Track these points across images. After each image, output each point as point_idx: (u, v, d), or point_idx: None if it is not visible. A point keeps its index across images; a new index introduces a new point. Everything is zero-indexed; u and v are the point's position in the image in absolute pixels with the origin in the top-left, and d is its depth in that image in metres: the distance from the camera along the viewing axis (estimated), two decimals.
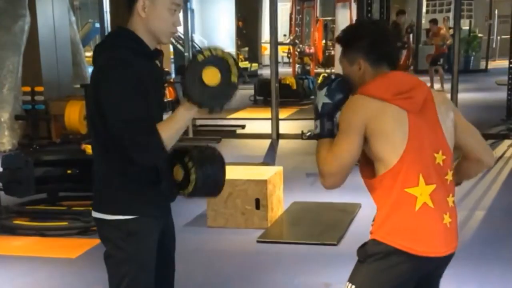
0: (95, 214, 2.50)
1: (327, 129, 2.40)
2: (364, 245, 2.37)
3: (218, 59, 2.27)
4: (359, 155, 2.30)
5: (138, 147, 2.28)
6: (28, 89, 8.97)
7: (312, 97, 13.38)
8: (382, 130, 2.25)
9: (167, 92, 10.89)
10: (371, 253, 2.31)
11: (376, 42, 2.38)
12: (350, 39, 2.43)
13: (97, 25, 15.01)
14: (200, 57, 2.26)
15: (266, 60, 21.16)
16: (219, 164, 2.55)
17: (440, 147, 2.31)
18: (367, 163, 2.34)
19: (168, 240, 2.67)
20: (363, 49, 2.37)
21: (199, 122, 10.26)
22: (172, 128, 2.30)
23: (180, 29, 2.35)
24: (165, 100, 8.80)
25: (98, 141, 2.47)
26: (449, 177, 2.34)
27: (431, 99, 2.35)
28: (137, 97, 2.30)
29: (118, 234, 2.44)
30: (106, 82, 2.31)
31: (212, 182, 2.51)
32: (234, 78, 2.28)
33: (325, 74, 10.59)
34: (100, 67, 2.38)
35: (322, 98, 2.41)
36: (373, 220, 2.37)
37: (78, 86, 9.58)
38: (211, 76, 2.25)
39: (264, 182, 5.38)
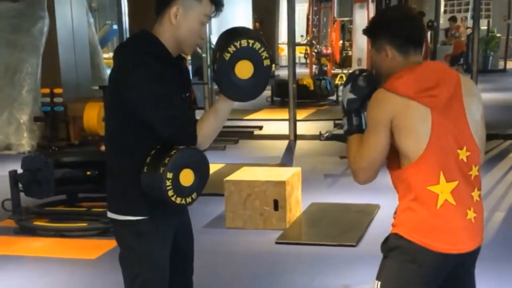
0: (109, 214, 2.53)
1: (355, 125, 2.43)
2: (386, 239, 2.39)
3: (245, 49, 2.26)
4: (388, 150, 2.31)
5: (174, 131, 2.32)
6: (47, 91, 9.02)
7: (330, 97, 13.38)
8: (406, 126, 2.26)
9: None
10: (393, 247, 2.33)
11: (399, 25, 2.38)
12: (375, 27, 2.45)
13: (115, 26, 15.11)
14: (227, 56, 2.26)
15: (283, 61, 21.15)
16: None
17: (464, 142, 2.31)
18: (393, 154, 2.34)
19: (185, 241, 2.67)
20: (387, 35, 2.38)
21: None
22: (206, 121, 2.35)
23: None
24: None
25: (112, 141, 2.48)
26: (474, 172, 2.34)
27: (460, 93, 2.34)
28: (166, 90, 2.33)
29: (129, 235, 2.46)
30: (131, 80, 2.32)
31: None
32: (266, 62, 2.29)
33: (343, 75, 10.58)
34: (121, 67, 2.39)
35: (347, 94, 2.45)
36: (395, 212, 2.39)
37: (97, 87, 9.62)
38: (243, 70, 2.27)
39: (282, 183, 5.37)
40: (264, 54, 2.27)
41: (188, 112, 2.43)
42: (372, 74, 2.47)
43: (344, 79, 13.37)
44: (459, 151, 2.30)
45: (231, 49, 2.26)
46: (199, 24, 2.41)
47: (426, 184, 2.26)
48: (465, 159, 2.31)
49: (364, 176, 2.35)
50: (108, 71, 12.09)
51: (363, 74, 2.46)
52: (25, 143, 9.05)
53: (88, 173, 6.07)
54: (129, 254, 2.49)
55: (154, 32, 2.43)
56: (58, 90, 8.96)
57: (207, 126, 2.36)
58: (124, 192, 2.46)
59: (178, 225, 2.60)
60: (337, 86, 13.34)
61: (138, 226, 2.44)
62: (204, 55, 10.10)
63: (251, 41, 2.26)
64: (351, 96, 2.43)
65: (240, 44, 2.26)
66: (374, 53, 2.44)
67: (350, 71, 15.34)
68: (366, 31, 2.49)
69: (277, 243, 5.14)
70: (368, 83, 2.44)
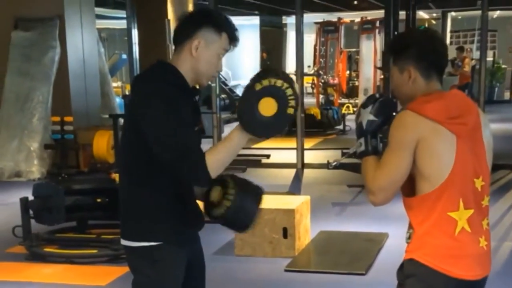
0: (123, 242, 2.54)
1: (372, 146, 2.42)
2: (402, 266, 2.39)
3: (276, 89, 2.27)
4: (409, 172, 2.30)
5: (187, 168, 2.30)
6: (57, 119, 9.14)
7: (337, 127, 13.43)
8: (432, 151, 2.26)
9: None
10: (410, 274, 2.33)
11: (427, 49, 2.36)
12: (401, 45, 2.42)
13: (124, 56, 15.27)
14: (258, 86, 2.28)
15: None
16: (258, 203, 2.53)
17: (480, 172, 2.34)
18: (408, 180, 2.33)
19: (197, 268, 2.68)
20: (413, 56, 2.35)
21: None
22: (220, 152, 2.34)
23: None
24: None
25: (126, 168, 2.51)
26: (485, 202, 2.37)
27: (479, 123, 2.37)
28: (182, 123, 2.34)
29: (143, 262, 2.47)
30: (149, 110, 2.35)
31: (244, 215, 2.49)
32: (290, 111, 2.28)
33: (349, 105, 10.60)
34: (140, 96, 2.42)
35: (367, 115, 2.43)
36: (409, 238, 2.38)
37: (107, 116, 9.71)
38: (267, 107, 2.27)
39: (291, 211, 5.40)
40: (292, 103, 2.27)
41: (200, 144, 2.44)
42: (392, 99, 2.47)
43: (351, 109, 13.47)
44: (475, 180, 2.32)
45: (265, 82, 2.27)
46: (217, 57, 2.48)
47: (447, 210, 2.27)
48: (479, 189, 2.34)
49: (383, 196, 2.32)
50: (118, 100, 12.22)
51: (384, 97, 2.46)
52: (35, 170, 9.11)
53: (98, 200, 6.11)
54: (144, 281, 2.50)
55: (172, 62, 2.48)
56: (68, 118, 9.07)
57: (218, 153, 2.34)
58: (138, 219, 2.48)
59: (192, 252, 2.61)
60: (344, 116, 13.41)
61: (152, 253, 2.45)
62: (213, 84, 10.19)
63: (286, 85, 2.27)
64: (371, 117, 2.42)
65: (275, 82, 2.27)
66: (395, 72, 2.42)
67: (357, 101, 15.42)
68: (390, 48, 2.47)
69: (286, 270, 5.16)
70: (388, 107, 2.45)
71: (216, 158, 2.32)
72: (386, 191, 2.32)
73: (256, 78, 2.30)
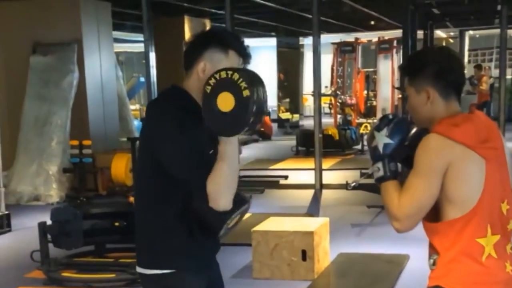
0: (138, 269, 2.49)
1: (391, 170, 2.31)
2: None
3: (224, 81, 2.16)
4: (436, 198, 2.22)
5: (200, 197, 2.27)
6: (76, 142, 9.18)
7: (355, 147, 13.36)
8: (462, 176, 2.20)
9: None
10: None
11: (445, 68, 2.28)
12: (418, 64, 2.33)
13: (142, 79, 15.36)
14: (208, 88, 2.18)
15: (307, 111, 21.27)
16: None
17: (506, 196, 2.28)
18: (434, 205, 2.26)
19: None
20: (431, 75, 2.27)
21: (242, 173, 10.29)
22: (218, 176, 2.24)
23: None
24: None
25: (141, 194, 2.48)
26: (511, 226, 2.31)
27: (503, 146, 2.32)
28: (194, 141, 2.30)
29: None
30: (160, 132, 2.33)
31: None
32: (246, 92, 2.14)
33: (367, 124, 10.53)
34: (151, 119, 2.41)
35: (382, 138, 2.33)
36: (433, 264, 2.29)
37: (125, 139, 9.73)
38: (224, 102, 2.15)
39: (310, 234, 5.34)
40: (243, 85, 2.13)
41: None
42: (406, 118, 2.38)
43: (369, 128, 13.41)
44: (501, 204, 2.27)
45: (211, 81, 2.17)
46: None
47: (476, 236, 2.21)
48: (505, 213, 2.28)
49: (409, 223, 2.23)
50: (136, 123, 12.27)
51: (398, 118, 2.36)
52: (54, 194, 9.14)
53: (116, 224, 6.10)
54: None
55: (184, 86, 2.46)
56: (86, 142, 9.10)
57: (218, 174, 2.23)
58: (150, 245, 2.44)
59: (209, 279, 2.55)
60: (362, 136, 13.35)
61: (165, 281, 2.40)
62: None
63: (229, 72, 2.16)
64: (387, 140, 2.32)
65: (220, 75, 2.16)
66: (412, 92, 2.33)
67: (375, 121, 15.37)
68: (406, 67, 2.39)
69: None
70: (404, 127, 2.35)
71: (215, 174, 2.23)
72: (413, 218, 2.23)
73: (211, 76, 2.20)
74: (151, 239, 2.44)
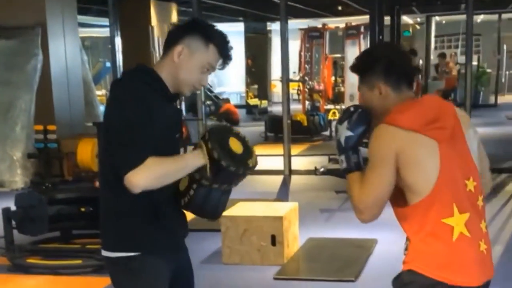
0: (103, 253, 2.47)
1: (354, 162, 2.36)
2: (399, 276, 2.33)
3: (243, 139, 2.42)
4: (393, 186, 2.25)
5: (125, 165, 2.23)
6: (40, 127, 9.00)
7: (323, 133, 13.40)
8: (414, 161, 2.22)
9: None
10: (408, 282, 2.27)
11: (393, 62, 2.34)
12: (366, 63, 2.39)
13: (108, 64, 15.16)
14: (230, 129, 2.44)
15: (275, 97, 21.23)
16: (221, 194, 2.48)
17: (470, 173, 2.29)
18: (397, 191, 2.29)
19: (184, 280, 2.60)
20: (381, 72, 2.33)
21: None
22: (169, 163, 2.29)
23: None
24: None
25: (104, 177, 2.45)
26: (480, 202, 2.32)
27: (459, 124, 2.33)
28: (145, 121, 2.26)
29: (121, 272, 2.41)
30: (115, 114, 2.30)
31: (207, 207, 2.45)
32: (252, 162, 2.38)
33: (335, 110, 10.56)
34: (112, 100, 2.37)
35: (344, 131, 2.37)
36: (406, 249, 2.33)
37: (90, 124, 9.60)
38: (235, 145, 2.36)
39: (280, 219, 5.32)
40: (254, 157, 2.42)
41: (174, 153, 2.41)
42: (367, 110, 2.41)
43: (337, 114, 13.49)
44: (466, 182, 2.28)
45: (235, 130, 2.46)
46: (200, 69, 2.41)
47: (441, 216, 2.22)
48: (472, 190, 2.29)
49: (370, 214, 2.26)
50: (102, 108, 12.11)
51: (359, 110, 2.40)
52: (19, 180, 8.99)
53: (82, 209, 6.01)
54: None
55: (154, 67, 2.43)
56: (51, 127, 8.94)
57: (162, 164, 2.26)
58: (115, 228, 2.41)
59: (177, 263, 2.53)
60: (330, 122, 13.38)
61: (129, 263, 2.38)
62: (198, 91, 10.13)
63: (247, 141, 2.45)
64: (348, 133, 2.36)
65: (239, 134, 2.45)
66: (365, 90, 2.39)
67: (343, 106, 15.44)
68: (355, 68, 2.43)
69: (275, 279, 5.08)
70: (364, 119, 2.38)
71: (156, 168, 2.23)
72: (373, 209, 2.26)
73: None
74: (115, 222, 2.41)
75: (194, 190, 2.37)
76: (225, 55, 2.43)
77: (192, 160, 2.31)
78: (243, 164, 2.34)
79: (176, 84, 2.42)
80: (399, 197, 2.29)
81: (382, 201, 2.26)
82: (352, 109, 2.42)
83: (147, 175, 2.22)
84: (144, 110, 2.27)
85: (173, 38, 2.41)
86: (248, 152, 2.38)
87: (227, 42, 2.45)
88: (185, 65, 2.38)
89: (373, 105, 2.38)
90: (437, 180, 2.21)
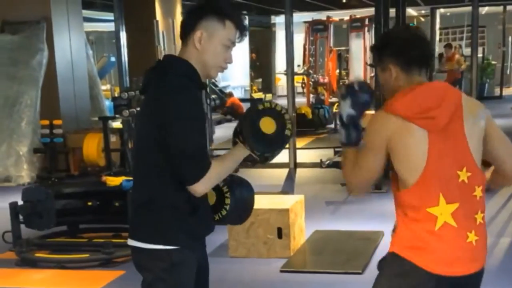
0: (132, 242, 2.45)
1: (353, 137, 2.42)
2: (384, 258, 2.39)
3: (275, 112, 2.41)
4: (383, 168, 2.33)
5: (189, 171, 2.30)
6: (46, 122, 9.04)
7: (328, 126, 13.40)
8: (402, 149, 2.26)
9: None
10: (387, 264, 2.34)
11: (404, 45, 2.37)
12: (381, 45, 2.45)
13: (113, 59, 15.16)
14: (260, 106, 2.41)
15: (279, 90, 21.24)
16: (250, 188, 2.64)
17: (464, 164, 2.28)
18: (395, 176, 2.34)
19: (205, 274, 2.64)
20: (392, 53, 2.37)
21: (216, 152, 10.24)
22: (223, 166, 2.39)
23: None
24: None
25: (144, 170, 2.43)
26: (478, 193, 2.31)
27: (460, 113, 2.30)
28: (201, 124, 2.33)
29: (161, 265, 2.39)
30: (172, 107, 2.29)
31: (244, 205, 2.60)
32: (288, 132, 2.41)
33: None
34: (159, 92, 2.35)
35: (347, 109, 2.42)
36: (393, 231, 2.40)
37: (96, 119, 9.62)
38: (268, 125, 2.39)
39: (286, 211, 5.33)
40: (289, 126, 2.41)
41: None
42: (369, 85, 2.48)
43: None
44: (459, 172, 2.27)
45: (266, 104, 2.43)
46: (223, 48, 2.41)
47: (425, 206, 2.25)
48: (466, 180, 2.27)
49: (358, 192, 2.46)
50: (107, 103, 12.13)
51: (361, 87, 2.43)
52: (25, 174, 9.01)
53: (89, 203, 6.04)
54: (158, 285, 2.42)
55: (181, 57, 2.43)
56: (57, 122, 8.97)
57: (222, 167, 2.39)
58: (156, 221, 2.40)
59: (202, 257, 2.57)
60: (335, 114, 13.37)
61: (171, 256, 2.39)
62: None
63: (284, 110, 2.44)
64: (350, 110, 2.41)
65: (275, 106, 2.43)
66: (379, 71, 2.44)
67: None
68: (373, 47, 2.50)
69: (281, 271, 5.09)
70: (367, 94, 2.43)
71: (218, 171, 2.35)
72: (360, 189, 2.44)
73: (258, 102, 2.47)
74: (157, 215, 2.40)
75: (230, 196, 2.53)
76: (242, 27, 2.45)
77: (238, 155, 2.43)
78: (276, 142, 2.41)
79: (204, 70, 2.43)
80: (395, 181, 2.35)
81: (369, 183, 2.40)
82: (356, 87, 2.44)
83: (211, 183, 2.36)
84: (200, 109, 2.34)
85: (189, 25, 2.40)
86: (282, 124, 2.40)
87: (240, 13, 2.48)
88: (208, 49, 2.39)
89: (385, 87, 2.43)
90: (424, 170, 2.23)
